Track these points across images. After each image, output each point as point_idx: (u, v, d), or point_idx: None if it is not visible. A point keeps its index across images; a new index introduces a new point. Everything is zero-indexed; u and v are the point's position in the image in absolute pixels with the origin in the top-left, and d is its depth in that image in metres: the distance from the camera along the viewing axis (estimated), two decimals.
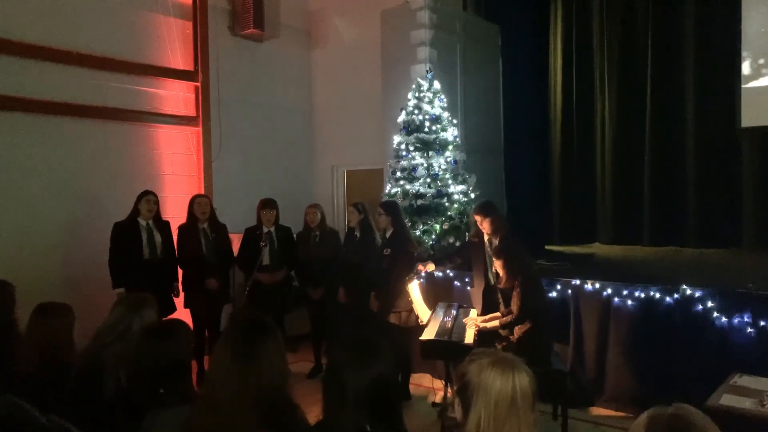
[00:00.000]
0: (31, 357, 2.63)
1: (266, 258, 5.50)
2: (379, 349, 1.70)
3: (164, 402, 2.08)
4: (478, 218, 4.84)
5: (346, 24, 7.76)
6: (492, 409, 1.52)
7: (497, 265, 4.28)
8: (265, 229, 5.55)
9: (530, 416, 1.55)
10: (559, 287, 4.94)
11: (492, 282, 4.73)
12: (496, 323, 4.32)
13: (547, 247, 7.59)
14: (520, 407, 1.53)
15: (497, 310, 4.50)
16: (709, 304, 4.25)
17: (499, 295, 4.53)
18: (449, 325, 4.50)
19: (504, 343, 4.22)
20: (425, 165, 5.97)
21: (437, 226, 5.86)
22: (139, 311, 2.66)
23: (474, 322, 4.48)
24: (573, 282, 4.88)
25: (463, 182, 6.08)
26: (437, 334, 4.30)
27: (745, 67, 6.71)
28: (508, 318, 4.22)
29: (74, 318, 2.81)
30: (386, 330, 4.93)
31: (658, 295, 4.47)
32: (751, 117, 6.69)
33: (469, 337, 4.28)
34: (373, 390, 1.62)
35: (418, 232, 5.84)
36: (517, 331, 4.15)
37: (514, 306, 4.16)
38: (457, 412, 1.64)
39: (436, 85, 6.17)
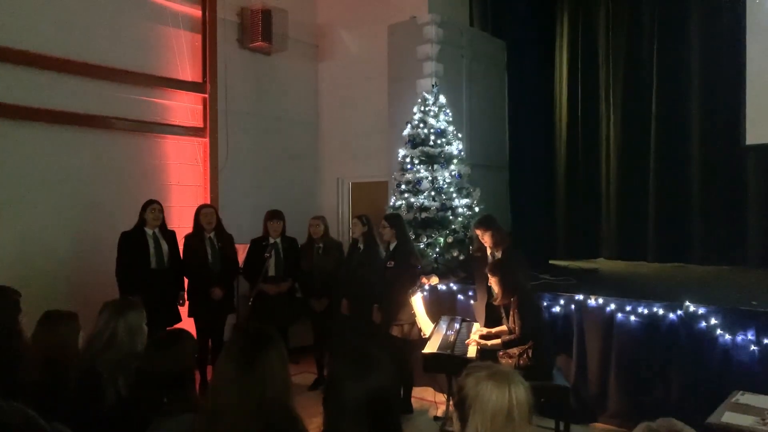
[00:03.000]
0: (36, 365, 2.65)
1: (271, 269, 5.52)
2: (377, 361, 1.70)
3: (167, 411, 2.08)
4: (478, 232, 4.89)
5: (353, 38, 7.84)
6: (489, 421, 1.54)
7: (492, 282, 4.28)
8: (271, 240, 5.58)
9: (526, 429, 1.56)
10: (562, 302, 4.94)
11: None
12: (497, 342, 4.31)
13: (551, 262, 7.59)
14: (516, 420, 1.55)
15: (500, 324, 4.50)
16: (713, 321, 4.25)
17: (502, 310, 4.53)
18: (452, 338, 4.50)
19: (506, 358, 4.21)
20: (430, 178, 6.00)
21: (441, 240, 5.87)
22: (122, 315, 2.65)
23: (475, 340, 4.46)
24: (576, 297, 4.88)
25: (467, 196, 6.11)
26: (440, 347, 4.31)
27: (750, 85, 6.72)
28: (511, 337, 4.21)
29: (80, 326, 2.83)
30: (388, 342, 4.94)
31: (661, 312, 4.47)
32: (755, 134, 6.70)
33: (472, 351, 4.28)
34: (372, 402, 1.62)
35: (422, 245, 5.86)
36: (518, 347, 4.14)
37: (516, 326, 4.15)
38: (456, 425, 1.66)
39: (442, 99, 6.22)
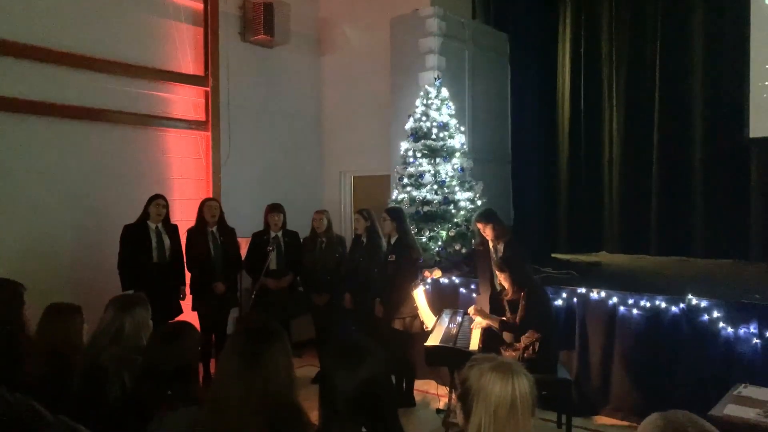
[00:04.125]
0: (41, 358, 2.65)
1: (273, 263, 5.53)
2: (365, 353, 1.70)
3: (171, 404, 2.09)
4: (479, 225, 4.92)
5: (355, 31, 7.82)
6: (492, 413, 1.54)
7: (502, 278, 4.29)
8: (273, 234, 5.59)
9: (529, 421, 1.57)
10: (564, 296, 4.95)
11: (498, 289, 4.74)
12: (496, 320, 4.32)
13: (553, 255, 7.58)
14: (520, 412, 1.55)
15: (503, 316, 4.50)
16: (715, 314, 4.25)
17: (506, 303, 4.53)
18: (454, 331, 4.51)
19: (510, 351, 4.22)
20: (432, 172, 5.99)
21: (443, 233, 5.87)
22: (129, 311, 2.66)
23: (480, 323, 4.44)
24: (579, 290, 4.88)
25: (469, 189, 6.10)
26: (442, 340, 4.32)
27: (754, 78, 6.69)
28: (510, 321, 4.23)
29: (84, 319, 2.84)
30: (391, 336, 4.95)
31: (664, 305, 4.47)
32: (759, 128, 6.67)
33: (474, 344, 4.28)
34: (362, 393, 1.63)
35: (424, 239, 5.86)
36: (525, 339, 4.15)
37: (518, 317, 4.16)
38: (459, 417, 1.66)
39: (444, 92, 6.20)
